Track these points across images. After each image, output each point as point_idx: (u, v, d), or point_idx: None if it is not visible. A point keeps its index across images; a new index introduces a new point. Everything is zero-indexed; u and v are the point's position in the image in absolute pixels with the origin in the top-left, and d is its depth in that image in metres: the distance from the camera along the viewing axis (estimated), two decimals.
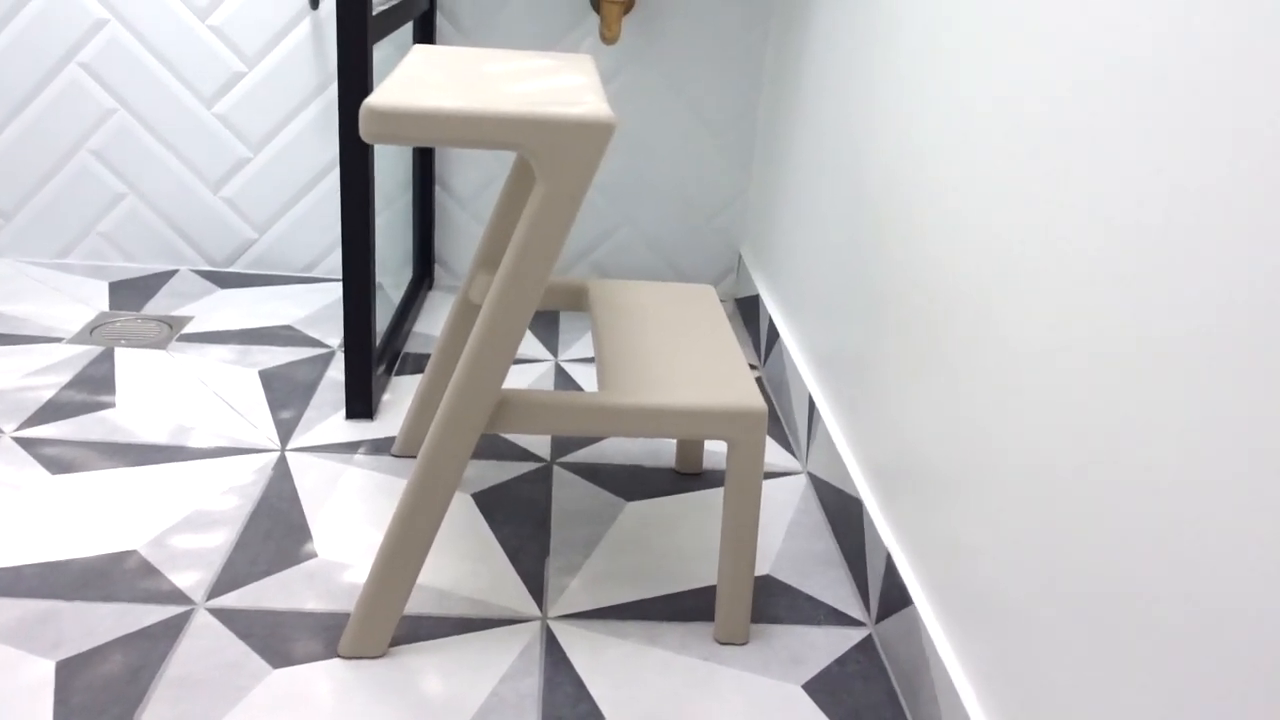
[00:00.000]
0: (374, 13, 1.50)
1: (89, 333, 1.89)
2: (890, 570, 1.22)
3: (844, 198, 1.53)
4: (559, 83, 1.17)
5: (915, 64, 1.27)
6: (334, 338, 1.95)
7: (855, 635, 1.26)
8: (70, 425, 1.57)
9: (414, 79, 1.12)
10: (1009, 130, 1.00)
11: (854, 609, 1.30)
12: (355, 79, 1.46)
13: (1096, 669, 0.81)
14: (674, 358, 1.27)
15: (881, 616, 1.24)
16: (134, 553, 1.29)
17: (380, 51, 1.95)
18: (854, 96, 1.51)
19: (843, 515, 1.42)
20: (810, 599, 1.31)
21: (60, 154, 2.13)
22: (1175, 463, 0.72)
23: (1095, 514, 0.82)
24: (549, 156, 1.01)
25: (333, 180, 2.18)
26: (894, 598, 1.21)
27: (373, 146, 1.53)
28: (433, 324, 2.06)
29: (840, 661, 1.21)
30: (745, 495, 1.17)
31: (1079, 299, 0.86)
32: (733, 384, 1.21)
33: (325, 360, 1.85)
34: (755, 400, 1.17)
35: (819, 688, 1.16)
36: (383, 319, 1.86)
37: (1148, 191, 0.77)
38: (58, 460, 1.48)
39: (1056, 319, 0.89)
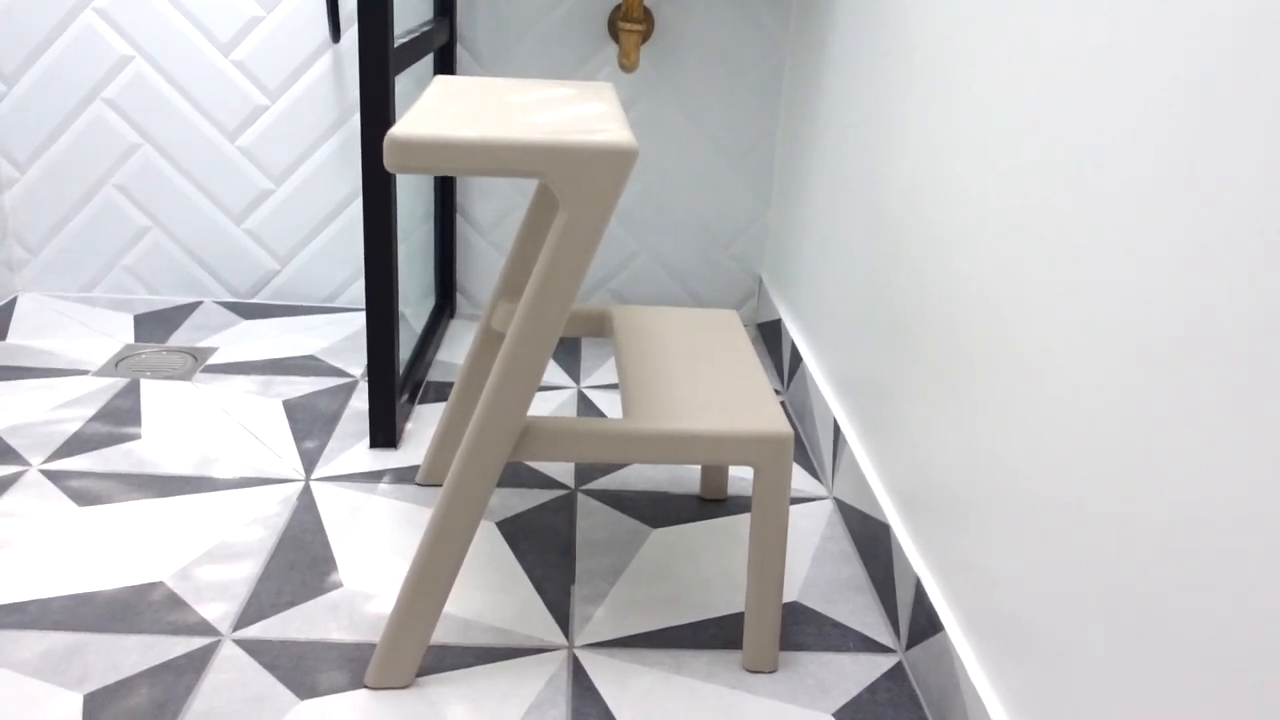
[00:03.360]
0: (395, 45, 1.52)
1: (114, 365, 1.90)
2: (920, 596, 1.21)
3: (864, 221, 1.53)
4: (581, 111, 1.17)
5: (933, 88, 1.27)
6: (356, 368, 1.95)
7: (885, 662, 1.24)
8: (97, 457, 1.58)
9: (436, 109, 1.12)
10: (1031, 153, 1.00)
11: (883, 635, 1.29)
12: (378, 111, 1.47)
13: (1133, 695, 0.79)
14: (698, 383, 1.26)
15: (911, 643, 1.23)
16: (160, 584, 1.30)
17: (400, 84, 1.97)
18: (873, 121, 1.51)
19: (870, 541, 1.41)
20: (838, 625, 1.30)
21: (85, 189, 2.16)
22: (1205, 483, 0.71)
23: (1127, 537, 0.81)
24: (572, 184, 1.01)
25: (354, 211, 2.19)
26: (924, 624, 1.19)
27: (395, 177, 1.54)
28: (455, 353, 2.06)
29: (870, 689, 1.19)
30: (772, 521, 1.17)
31: (1103, 321, 0.85)
32: (758, 409, 1.20)
33: (348, 390, 1.86)
34: (781, 425, 1.16)
35: (849, 716, 1.15)
36: (405, 348, 1.87)
37: (1174, 212, 0.76)
38: (84, 493, 1.48)
39: (1080, 341, 0.89)
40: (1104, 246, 0.86)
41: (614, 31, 2.07)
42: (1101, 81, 0.88)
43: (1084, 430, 0.88)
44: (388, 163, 1.00)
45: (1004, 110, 1.07)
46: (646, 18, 2.05)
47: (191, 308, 2.19)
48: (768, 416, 1.18)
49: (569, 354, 2.09)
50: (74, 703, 1.10)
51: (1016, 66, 1.05)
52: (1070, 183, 0.92)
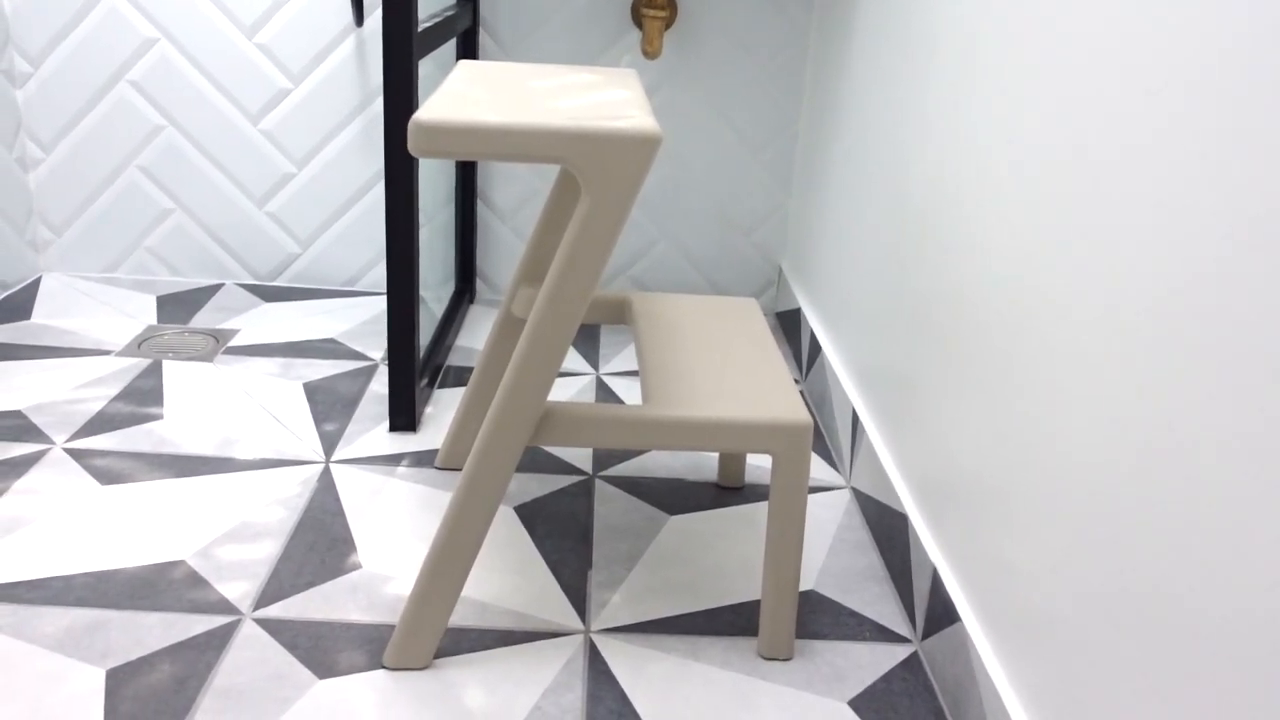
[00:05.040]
0: (419, 29, 1.52)
1: (137, 346, 1.91)
2: (937, 586, 1.21)
3: (886, 211, 1.52)
4: (605, 97, 1.17)
5: (959, 76, 1.26)
6: (376, 351, 1.96)
7: (900, 652, 1.24)
8: (119, 437, 1.59)
9: (461, 94, 1.13)
10: (1060, 142, 0.99)
11: (899, 625, 1.29)
12: (401, 94, 1.47)
13: (1152, 689, 0.79)
14: (718, 371, 1.26)
15: (927, 633, 1.23)
16: (182, 563, 1.31)
17: (422, 68, 1.97)
18: (897, 110, 1.51)
19: (887, 531, 1.41)
20: (854, 615, 1.30)
21: (109, 170, 2.17)
22: (1228, 475, 0.71)
23: (1147, 529, 0.80)
24: (596, 170, 1.01)
25: (375, 195, 2.20)
26: (940, 614, 1.19)
27: (417, 161, 1.54)
28: (474, 338, 2.07)
29: (885, 678, 1.20)
30: (790, 509, 1.17)
31: (1126, 312, 0.85)
32: (777, 397, 1.20)
33: (368, 373, 1.86)
34: (800, 413, 1.16)
35: (864, 705, 1.15)
36: (425, 332, 1.88)
37: (1206, 205, 0.76)
38: (107, 471, 1.50)
39: (1106, 333, 0.88)
40: (1133, 237, 0.86)
41: (637, 17, 2.07)
42: (1134, 70, 0.87)
43: (1107, 423, 0.88)
44: (412, 146, 1.00)
45: (1032, 98, 1.06)
46: (670, 4, 2.05)
47: (213, 290, 2.21)
48: (787, 405, 1.18)
49: (587, 340, 2.09)
50: (96, 678, 1.11)
51: (1045, 53, 1.04)
52: (1100, 173, 0.92)
